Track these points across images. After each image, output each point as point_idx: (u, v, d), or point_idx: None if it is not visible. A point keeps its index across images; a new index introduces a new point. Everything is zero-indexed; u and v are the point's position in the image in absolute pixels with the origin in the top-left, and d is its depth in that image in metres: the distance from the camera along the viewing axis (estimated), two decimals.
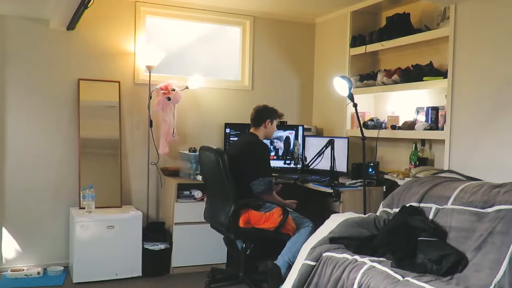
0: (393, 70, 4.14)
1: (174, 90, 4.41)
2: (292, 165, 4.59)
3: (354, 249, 2.89)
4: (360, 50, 4.46)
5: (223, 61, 5.08)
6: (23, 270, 4.07)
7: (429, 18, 3.99)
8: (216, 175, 3.57)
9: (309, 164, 4.14)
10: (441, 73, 3.71)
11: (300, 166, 4.54)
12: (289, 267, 3.36)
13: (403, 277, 2.48)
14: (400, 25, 4.09)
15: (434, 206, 3.04)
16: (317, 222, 3.47)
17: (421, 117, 3.96)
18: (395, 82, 4.06)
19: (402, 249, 2.75)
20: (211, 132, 4.83)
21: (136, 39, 4.50)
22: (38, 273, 4.07)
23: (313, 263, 2.96)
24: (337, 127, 4.80)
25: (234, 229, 3.57)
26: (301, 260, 3.04)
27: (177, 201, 4.23)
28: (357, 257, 2.79)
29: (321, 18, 5.11)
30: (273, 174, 4.03)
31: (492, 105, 3.29)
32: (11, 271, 4.04)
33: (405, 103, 4.26)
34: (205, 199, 4.13)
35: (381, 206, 3.46)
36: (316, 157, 4.05)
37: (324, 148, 4.02)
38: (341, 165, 4.22)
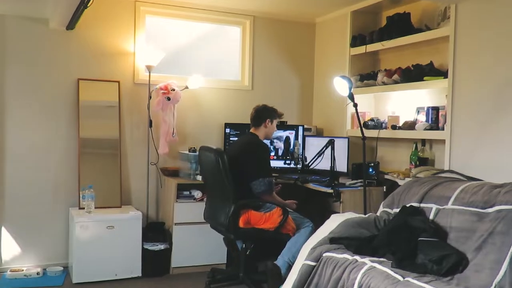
0: (393, 70, 4.14)
1: (174, 90, 4.41)
2: (292, 165, 4.59)
3: (355, 249, 2.88)
4: (361, 50, 4.45)
5: (223, 61, 5.08)
6: (23, 270, 4.06)
7: (429, 18, 3.98)
8: (216, 175, 3.56)
9: (309, 164, 4.13)
10: (442, 73, 3.71)
11: (300, 166, 4.53)
12: (289, 267, 3.35)
13: (404, 278, 2.47)
14: (401, 25, 4.08)
15: (434, 206, 3.04)
16: (317, 222, 3.47)
17: (422, 117, 3.95)
18: (396, 82, 4.05)
19: (403, 249, 2.75)
20: (211, 132, 4.82)
21: (135, 38, 4.50)
22: (38, 273, 4.06)
23: (313, 264, 2.96)
24: (337, 127, 4.79)
25: (234, 229, 3.56)
26: (301, 261, 3.03)
27: (177, 201, 4.22)
28: (357, 257, 2.78)
29: (321, 18, 5.10)
30: (273, 174, 4.02)
31: (493, 105, 3.28)
32: (11, 271, 4.03)
33: (405, 103, 4.25)
34: (205, 199, 4.13)
35: (381, 206, 3.46)
36: (316, 157, 4.04)
37: (324, 148, 4.01)
38: (341, 165, 4.21)
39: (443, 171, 3.52)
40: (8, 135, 4.16)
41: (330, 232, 3.11)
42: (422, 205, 3.12)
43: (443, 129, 3.65)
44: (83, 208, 4.08)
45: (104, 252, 3.97)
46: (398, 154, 4.30)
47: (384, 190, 4.01)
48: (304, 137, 4.73)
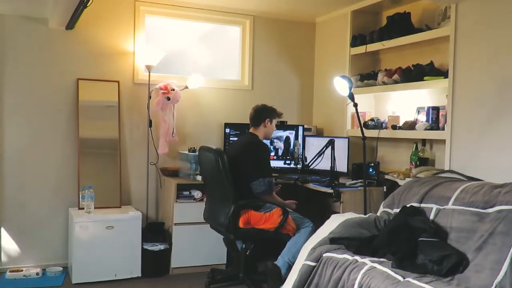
0: (393, 69, 4.13)
1: (173, 89, 4.40)
2: (292, 165, 4.58)
3: (355, 249, 2.87)
4: (361, 49, 4.45)
5: (223, 61, 5.07)
6: (22, 270, 4.06)
7: (430, 18, 3.97)
8: (216, 175, 3.56)
9: (309, 164, 4.12)
10: (442, 73, 3.70)
11: (300, 166, 4.53)
12: (289, 267, 3.35)
13: (404, 278, 2.47)
14: (401, 25, 4.07)
15: (434, 207, 3.03)
16: (317, 223, 3.46)
17: (422, 117, 3.95)
18: (396, 82, 4.04)
19: (403, 249, 2.74)
20: (210, 132, 4.81)
21: (135, 38, 4.49)
22: (37, 273, 4.05)
23: (313, 264, 2.95)
24: (338, 127, 4.78)
25: (233, 229, 3.55)
26: (301, 261, 3.03)
27: (176, 201, 4.21)
28: (357, 257, 2.78)
29: (321, 18, 5.09)
30: (273, 174, 4.02)
31: (493, 105, 3.27)
32: (10, 271, 4.03)
33: (405, 103, 4.25)
34: (204, 199, 4.12)
35: (381, 206, 3.45)
36: (316, 157, 4.04)
37: (324, 148, 4.00)
38: (342, 165, 4.21)
39: (444, 171, 3.52)
40: (7, 135, 4.16)
41: (330, 232, 3.11)
42: (422, 205, 3.11)
43: (443, 129, 3.64)
44: (83, 208, 4.07)
45: (104, 252, 3.96)
46: (398, 154, 4.29)
47: (384, 190, 4.00)
48: (304, 137, 4.73)
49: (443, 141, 3.65)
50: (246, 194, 3.60)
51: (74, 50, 4.32)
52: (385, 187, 4.03)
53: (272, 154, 4.70)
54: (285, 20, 5.07)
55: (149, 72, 4.38)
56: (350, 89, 3.83)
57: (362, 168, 3.94)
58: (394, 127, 4.07)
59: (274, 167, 4.50)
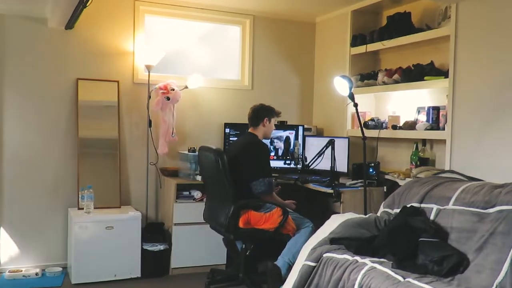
0: (394, 69, 4.12)
1: (173, 89, 4.39)
2: (292, 165, 4.57)
3: (355, 250, 2.87)
4: (361, 49, 4.44)
5: (223, 61, 5.06)
6: (21, 271, 4.05)
7: (430, 17, 3.97)
8: (216, 175, 3.55)
9: (309, 164, 4.11)
10: (442, 73, 3.69)
11: (300, 166, 4.52)
12: (289, 268, 3.34)
13: (404, 278, 2.46)
14: (401, 24, 4.07)
15: (435, 207, 3.02)
16: (318, 223, 3.45)
17: (422, 117, 3.94)
18: (396, 82, 4.04)
19: (403, 250, 2.74)
20: (210, 132, 4.81)
21: (135, 38, 4.49)
22: (37, 274, 4.05)
23: (313, 264, 2.94)
24: (338, 127, 4.78)
25: (233, 229, 3.55)
26: (301, 261, 3.02)
27: (176, 201, 4.20)
28: (357, 258, 2.77)
29: (321, 17, 5.09)
30: (273, 175, 4.01)
31: (494, 104, 3.27)
32: (9, 272, 4.02)
33: (406, 103, 4.24)
34: (204, 199, 4.11)
35: (381, 206, 3.44)
36: (316, 157, 4.03)
37: (325, 148, 4.00)
38: (342, 165, 4.20)
39: (444, 171, 3.51)
40: (6, 135, 4.15)
41: (331, 232, 3.10)
42: (422, 205, 3.11)
43: (443, 129, 3.64)
44: (82, 209, 4.06)
45: (103, 252, 3.95)
46: (398, 154, 4.29)
47: (385, 190, 4.00)
48: (304, 137, 4.72)
49: (443, 141, 3.64)
50: (246, 194, 3.59)
51: (73, 50, 4.31)
52: (385, 187, 4.02)
53: (272, 154, 4.70)
54: (285, 20, 5.06)
55: (149, 72, 4.38)
56: (350, 89, 3.83)
57: (362, 168, 3.93)
58: (395, 127, 4.06)
59: (274, 167, 4.49)
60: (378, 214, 3.37)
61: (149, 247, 4.13)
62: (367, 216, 3.32)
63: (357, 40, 4.49)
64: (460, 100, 3.49)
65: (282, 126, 4.70)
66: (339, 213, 3.70)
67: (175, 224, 4.20)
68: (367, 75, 4.43)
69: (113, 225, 3.99)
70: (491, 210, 2.69)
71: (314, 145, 4.51)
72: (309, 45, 5.22)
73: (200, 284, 3.91)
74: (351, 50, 4.58)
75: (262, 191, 3.62)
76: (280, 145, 4.76)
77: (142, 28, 4.53)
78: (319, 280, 2.87)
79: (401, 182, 3.80)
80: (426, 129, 3.76)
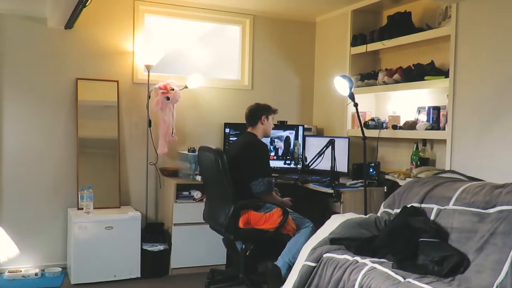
0: (394, 69, 4.12)
1: (173, 89, 4.38)
2: (292, 165, 4.57)
3: (355, 250, 2.86)
4: (361, 49, 4.43)
5: (223, 60, 5.06)
6: (21, 271, 4.05)
7: (430, 17, 3.96)
8: (216, 175, 3.54)
9: (310, 164, 4.11)
10: (443, 73, 3.68)
11: (300, 166, 4.52)
12: (289, 268, 3.33)
13: (404, 278, 2.46)
14: (401, 24, 4.06)
15: (435, 207, 3.02)
16: (318, 223, 3.45)
17: (423, 117, 3.93)
18: (396, 82, 4.03)
19: (403, 250, 2.73)
20: (210, 132, 4.80)
21: (134, 38, 4.48)
22: (36, 274, 4.04)
23: (313, 264, 2.94)
24: (338, 127, 4.77)
25: (233, 229, 3.54)
26: (302, 261, 3.01)
27: (176, 201, 4.20)
28: (358, 258, 2.77)
29: (321, 17, 5.08)
30: (273, 174, 4.01)
31: (494, 104, 3.26)
32: (9, 272, 4.02)
33: (406, 103, 4.24)
34: (204, 199, 4.11)
35: (382, 206, 3.44)
36: (317, 157, 4.02)
37: (325, 148, 3.99)
38: (342, 165, 4.19)
39: (444, 171, 3.50)
40: (6, 135, 4.14)
41: (331, 232, 3.10)
42: (423, 205, 3.10)
43: (444, 129, 3.63)
44: (82, 209, 4.06)
45: (103, 253, 3.94)
46: (398, 154, 4.28)
47: (385, 190, 3.99)
48: (304, 137, 4.71)
49: (443, 141, 3.63)
50: (246, 194, 3.58)
51: (73, 49, 4.31)
52: (385, 187, 4.02)
53: (272, 154, 4.69)
54: (285, 19, 5.06)
55: (149, 72, 4.37)
56: (351, 88, 3.82)
57: (363, 168, 3.92)
58: (395, 127, 4.05)
59: (274, 167, 4.49)
60: (378, 214, 3.37)
61: (148, 247, 4.12)
62: (367, 216, 3.31)
63: (357, 39, 4.49)
64: (460, 100, 3.49)
65: (282, 126, 4.69)
66: (339, 213, 3.70)
67: (175, 224, 4.20)
68: (367, 75, 4.42)
69: (112, 225, 3.98)
70: (491, 210, 2.69)
71: (314, 145, 4.50)
72: (309, 45, 5.21)
73: (200, 284, 3.90)
74: (351, 50, 4.57)
75: (262, 191, 3.61)
76: (280, 145, 4.75)
77: (141, 28, 4.53)
78: (319, 280, 2.86)
79: (401, 182, 3.80)
80: (426, 129, 3.75)
